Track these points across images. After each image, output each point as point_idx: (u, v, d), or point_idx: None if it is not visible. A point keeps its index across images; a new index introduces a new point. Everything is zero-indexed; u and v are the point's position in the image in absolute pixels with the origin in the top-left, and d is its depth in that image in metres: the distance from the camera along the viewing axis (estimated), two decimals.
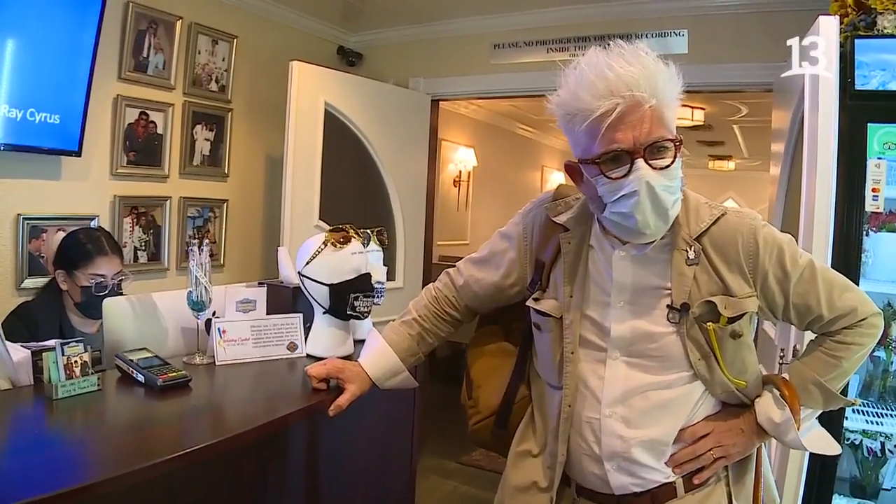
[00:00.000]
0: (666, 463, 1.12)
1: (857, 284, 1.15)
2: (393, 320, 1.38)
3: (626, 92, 0.96)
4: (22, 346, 1.36)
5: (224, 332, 1.56)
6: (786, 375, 1.17)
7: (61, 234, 2.14)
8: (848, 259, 1.99)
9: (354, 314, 1.58)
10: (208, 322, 1.57)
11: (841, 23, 2.02)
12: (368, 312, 1.61)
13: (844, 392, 1.19)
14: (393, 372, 1.32)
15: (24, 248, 2.53)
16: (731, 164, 8.50)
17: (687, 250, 1.09)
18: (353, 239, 1.59)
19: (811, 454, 1.90)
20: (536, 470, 1.22)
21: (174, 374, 1.35)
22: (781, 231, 1.14)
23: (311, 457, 1.54)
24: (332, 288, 1.56)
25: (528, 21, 3.59)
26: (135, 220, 2.97)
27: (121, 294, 1.91)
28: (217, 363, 1.54)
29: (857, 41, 2.02)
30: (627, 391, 1.11)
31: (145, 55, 2.90)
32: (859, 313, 1.11)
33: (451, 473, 3.65)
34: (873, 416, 2.10)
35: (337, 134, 3.48)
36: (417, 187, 3.97)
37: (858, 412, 2.11)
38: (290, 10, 3.63)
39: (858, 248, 2.02)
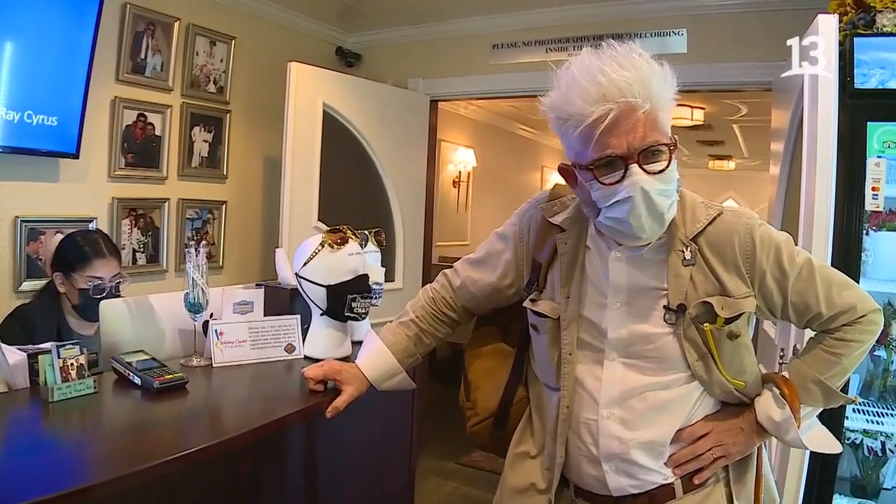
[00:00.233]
0: (665, 463, 1.11)
1: (858, 283, 1.14)
2: (391, 321, 1.38)
3: (619, 97, 0.95)
4: (18, 348, 1.36)
5: (221, 333, 1.56)
6: (785, 374, 1.16)
7: (59, 237, 2.14)
8: (848, 258, 1.99)
9: (352, 315, 1.58)
10: (205, 324, 1.57)
11: (840, 21, 2.02)
12: (366, 314, 1.61)
13: (845, 390, 1.18)
14: (390, 373, 1.31)
15: (22, 250, 2.52)
16: (731, 164, 8.50)
17: (683, 251, 1.08)
18: (350, 240, 1.59)
19: (811, 453, 1.89)
20: (535, 471, 1.21)
21: (171, 376, 1.35)
22: (781, 230, 1.13)
23: (308, 459, 1.53)
24: (330, 289, 1.55)
25: (527, 21, 3.59)
26: (133, 222, 2.96)
27: (118, 296, 1.91)
28: (214, 365, 1.54)
29: (856, 39, 2.02)
30: (625, 392, 1.10)
31: (143, 57, 2.90)
32: (858, 310, 1.10)
33: (451, 474, 3.64)
34: (874, 415, 2.10)
35: (336, 135, 3.47)
36: (417, 188, 3.96)
37: (859, 411, 2.10)
38: (288, 11, 3.63)
39: (858, 247, 2.02)
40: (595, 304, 1.13)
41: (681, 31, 3.20)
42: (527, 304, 1.20)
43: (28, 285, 2.51)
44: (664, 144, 1.00)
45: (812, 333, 1.18)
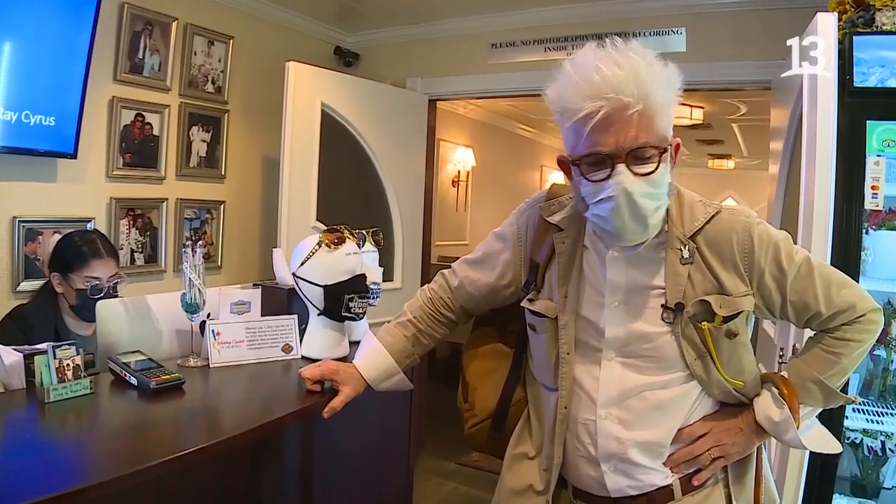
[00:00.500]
0: (664, 463, 1.11)
1: (857, 282, 1.14)
2: (389, 321, 1.37)
3: (610, 94, 0.94)
4: (14, 349, 1.35)
5: (218, 334, 1.56)
6: (784, 373, 1.16)
7: (57, 237, 2.13)
8: (847, 257, 1.98)
9: (349, 315, 1.57)
10: (202, 324, 1.56)
11: (839, 19, 2.01)
12: (363, 313, 1.61)
13: (844, 390, 1.18)
14: (388, 373, 1.31)
15: (19, 250, 2.52)
16: (730, 163, 8.49)
17: (681, 249, 1.08)
18: (347, 240, 1.58)
19: (811, 453, 1.89)
20: (533, 472, 1.21)
21: (167, 376, 1.34)
22: (781, 229, 1.13)
23: (305, 459, 1.53)
24: (327, 289, 1.55)
25: (526, 20, 3.58)
26: (131, 222, 2.96)
27: (116, 297, 1.90)
28: (211, 365, 1.53)
29: (855, 38, 2.01)
30: (623, 392, 1.10)
31: (141, 56, 2.89)
32: (858, 309, 1.10)
33: (450, 474, 3.64)
34: (874, 414, 2.10)
35: (334, 134, 3.46)
36: (415, 188, 3.95)
37: (859, 411, 2.10)
38: (286, 10, 3.62)
39: (858, 246, 2.01)
40: (593, 304, 1.13)
41: (680, 30, 3.19)
42: (524, 303, 1.20)
43: (26, 285, 2.50)
44: (654, 147, 0.99)
45: (812, 333, 1.17)
